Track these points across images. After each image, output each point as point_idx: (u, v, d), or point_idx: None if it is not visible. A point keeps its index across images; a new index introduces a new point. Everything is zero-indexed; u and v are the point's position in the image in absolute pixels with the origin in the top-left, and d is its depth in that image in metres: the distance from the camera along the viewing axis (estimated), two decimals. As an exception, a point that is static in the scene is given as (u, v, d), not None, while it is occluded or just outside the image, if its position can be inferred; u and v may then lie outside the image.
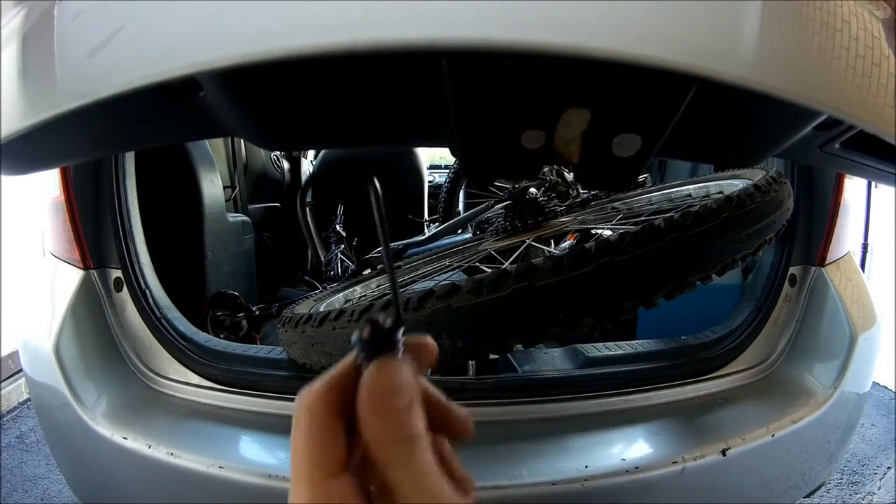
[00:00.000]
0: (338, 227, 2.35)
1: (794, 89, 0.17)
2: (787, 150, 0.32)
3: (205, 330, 1.16)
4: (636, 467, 0.76)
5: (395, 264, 1.29)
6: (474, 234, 1.44)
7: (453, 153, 0.27)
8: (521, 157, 0.24)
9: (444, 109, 0.23)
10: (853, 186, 1.09)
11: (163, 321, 1.02)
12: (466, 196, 2.26)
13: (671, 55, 0.15)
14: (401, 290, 1.01)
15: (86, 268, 1.02)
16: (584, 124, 0.22)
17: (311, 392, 0.23)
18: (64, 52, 0.20)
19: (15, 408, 2.16)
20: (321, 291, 1.26)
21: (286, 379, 0.91)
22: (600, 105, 0.22)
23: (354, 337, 0.23)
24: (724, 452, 0.81)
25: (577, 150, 0.23)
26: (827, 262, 1.06)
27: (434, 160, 4.51)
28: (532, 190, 1.21)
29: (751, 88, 0.16)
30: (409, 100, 0.27)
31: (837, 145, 0.32)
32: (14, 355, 2.13)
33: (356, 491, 0.22)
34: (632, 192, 1.30)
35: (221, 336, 1.35)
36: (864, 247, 2.80)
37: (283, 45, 0.16)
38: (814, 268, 1.06)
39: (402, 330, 0.23)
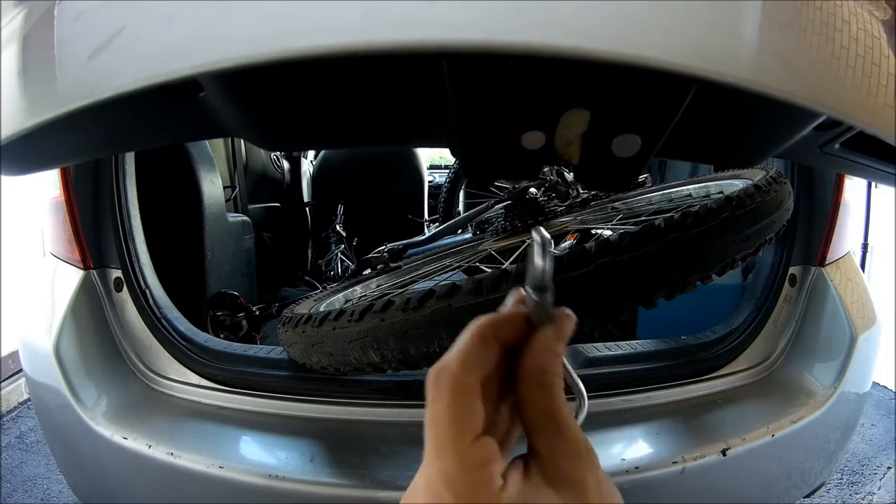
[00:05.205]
0: (338, 227, 2.35)
1: (794, 91, 0.17)
2: (787, 151, 0.32)
3: (205, 330, 1.16)
4: (636, 467, 0.76)
5: (396, 264, 1.28)
6: (474, 234, 1.44)
7: (453, 154, 0.27)
8: (522, 157, 0.24)
9: (444, 110, 0.23)
10: (853, 186, 1.09)
11: (163, 321, 1.02)
12: (466, 196, 2.26)
13: (672, 57, 0.16)
14: (401, 290, 1.01)
15: (86, 268, 1.02)
16: (584, 125, 0.23)
17: (451, 369, 0.27)
18: (64, 53, 0.20)
19: (15, 408, 2.16)
20: (321, 291, 1.26)
21: (286, 379, 0.91)
22: (600, 106, 0.22)
23: (531, 300, 0.28)
24: (724, 452, 0.81)
25: (577, 150, 0.24)
26: (827, 262, 1.06)
27: (434, 160, 4.51)
28: (532, 190, 1.21)
29: (751, 90, 0.16)
30: (409, 100, 0.27)
31: (837, 146, 0.32)
32: (14, 355, 2.13)
33: (495, 445, 0.27)
34: (632, 192, 1.30)
35: (221, 336, 1.35)
36: (864, 247, 2.80)
37: (285, 46, 0.16)
38: (814, 268, 1.06)
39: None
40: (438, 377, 0.27)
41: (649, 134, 0.23)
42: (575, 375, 0.30)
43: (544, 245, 0.27)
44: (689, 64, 0.16)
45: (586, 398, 0.30)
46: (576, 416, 0.30)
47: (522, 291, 0.30)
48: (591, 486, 0.27)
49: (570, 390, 0.30)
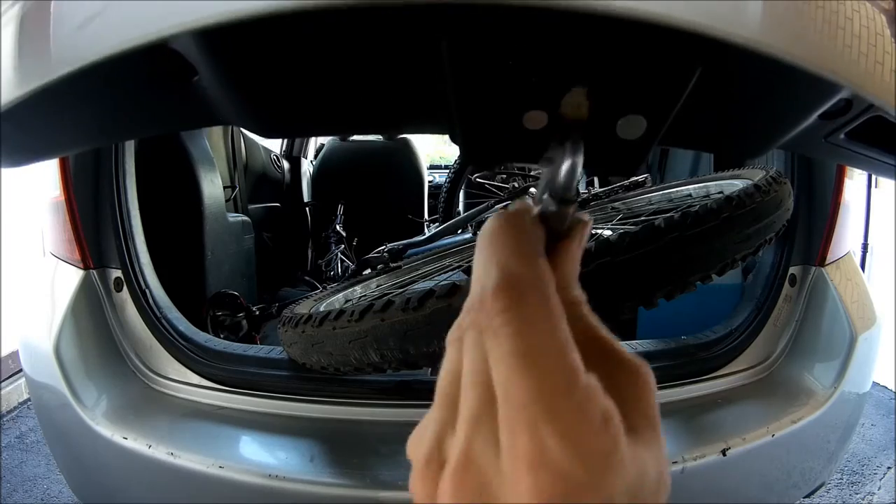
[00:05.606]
0: (338, 227, 2.35)
1: (804, 55, 0.17)
2: (792, 141, 0.32)
3: (205, 330, 1.16)
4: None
5: (396, 264, 1.28)
6: (474, 234, 1.44)
7: (453, 139, 0.27)
8: (523, 138, 0.23)
9: (443, 92, 0.23)
10: (853, 186, 1.09)
11: (163, 321, 1.02)
12: (466, 196, 2.26)
13: (678, 13, 0.15)
14: (401, 290, 1.01)
15: (86, 268, 1.02)
16: (586, 103, 0.22)
17: (536, 281, 0.20)
18: (58, 26, 0.21)
19: (15, 408, 2.16)
20: (321, 291, 1.26)
21: (286, 379, 0.91)
22: (605, 84, 0.22)
23: (549, 208, 0.23)
24: (724, 452, 0.81)
25: (585, 110, 0.23)
26: (827, 262, 1.06)
27: (434, 160, 4.52)
28: (532, 190, 1.21)
29: (759, 51, 0.16)
30: (408, 84, 0.27)
31: (842, 136, 0.32)
32: (14, 355, 2.13)
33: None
34: (632, 192, 1.30)
35: (221, 336, 1.35)
36: (864, 247, 2.80)
37: (264, 3, 0.16)
38: (814, 268, 1.06)
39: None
40: (524, 291, 0.19)
41: (655, 115, 0.23)
42: None
43: (573, 139, 0.22)
44: (696, 21, 0.15)
45: None
46: None
47: (528, 201, 0.25)
48: (657, 417, 0.21)
49: None
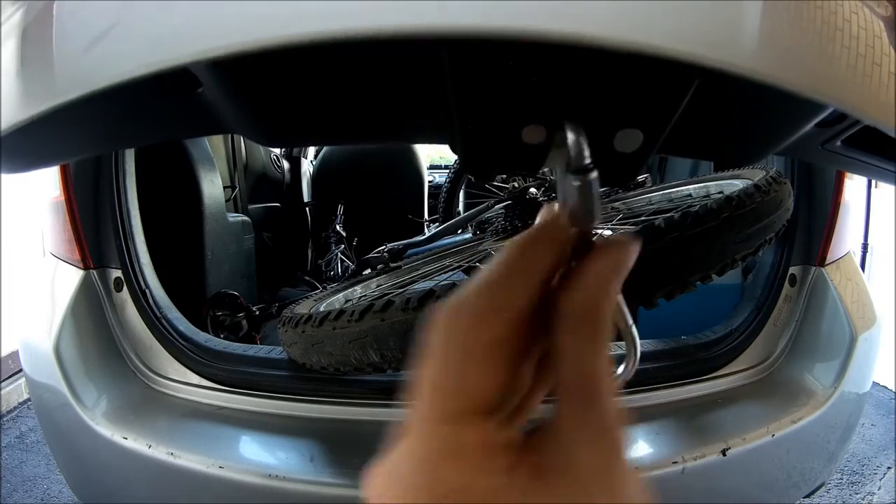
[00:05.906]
0: (338, 227, 2.35)
1: (798, 81, 0.17)
2: (789, 148, 0.32)
3: (205, 330, 1.16)
4: (636, 467, 0.76)
5: (396, 264, 1.28)
6: (474, 234, 1.44)
7: (453, 150, 0.27)
8: (522, 152, 0.24)
9: (444, 105, 0.23)
10: (853, 186, 1.09)
11: (163, 321, 1.02)
12: (466, 196, 2.26)
13: (675, 44, 0.15)
14: (401, 290, 1.01)
15: (86, 268, 1.02)
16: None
17: (462, 315, 0.19)
18: (62, 46, 0.21)
19: (15, 408, 2.16)
20: (321, 291, 1.26)
21: (286, 379, 0.91)
22: (602, 100, 0.22)
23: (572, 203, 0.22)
24: (724, 452, 0.81)
25: None
26: (827, 262, 1.06)
27: (434, 160, 4.51)
28: (532, 190, 1.22)
29: (753, 79, 0.16)
30: (409, 95, 0.27)
31: (839, 143, 0.32)
32: (14, 355, 2.13)
33: (498, 439, 0.19)
34: (632, 192, 1.30)
35: (221, 336, 1.35)
36: (864, 247, 2.80)
37: (278, 33, 0.16)
38: (814, 268, 1.06)
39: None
40: (440, 326, 0.20)
41: (651, 129, 0.23)
42: (630, 318, 0.24)
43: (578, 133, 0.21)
44: (692, 52, 0.15)
45: (639, 350, 0.25)
46: (625, 368, 0.24)
47: (555, 207, 0.23)
48: (601, 476, 0.20)
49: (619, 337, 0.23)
